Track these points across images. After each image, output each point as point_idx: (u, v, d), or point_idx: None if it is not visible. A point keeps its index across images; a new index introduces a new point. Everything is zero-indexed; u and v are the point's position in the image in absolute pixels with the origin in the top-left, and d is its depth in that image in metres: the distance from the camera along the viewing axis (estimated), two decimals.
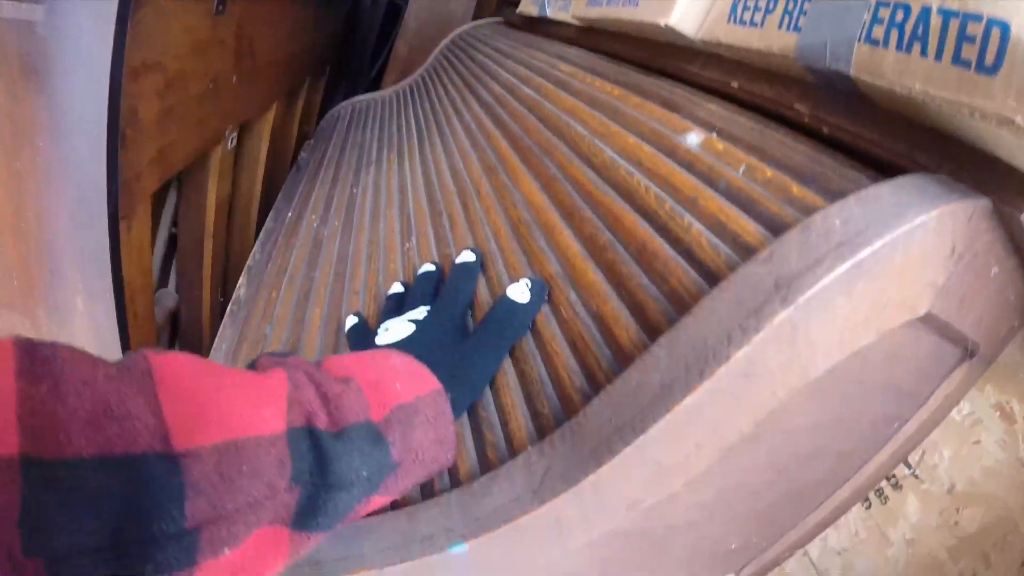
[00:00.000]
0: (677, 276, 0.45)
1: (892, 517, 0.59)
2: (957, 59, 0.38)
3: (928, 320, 0.42)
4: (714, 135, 0.54)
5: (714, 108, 0.59)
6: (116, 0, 0.84)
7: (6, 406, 0.29)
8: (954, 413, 0.54)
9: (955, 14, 0.38)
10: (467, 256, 0.65)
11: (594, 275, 0.52)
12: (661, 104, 0.64)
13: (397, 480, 0.44)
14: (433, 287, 0.65)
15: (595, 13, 0.92)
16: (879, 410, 0.52)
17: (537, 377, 0.50)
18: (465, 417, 0.52)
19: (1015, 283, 0.44)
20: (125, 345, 1.04)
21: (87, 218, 0.91)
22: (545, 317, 0.54)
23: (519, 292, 0.55)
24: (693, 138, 0.55)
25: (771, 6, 0.55)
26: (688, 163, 0.52)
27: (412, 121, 1.27)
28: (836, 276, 0.35)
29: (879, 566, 0.60)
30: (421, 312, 0.58)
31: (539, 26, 1.24)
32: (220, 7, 1.24)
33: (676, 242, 0.47)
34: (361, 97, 1.70)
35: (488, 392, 0.53)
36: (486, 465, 0.48)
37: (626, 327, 0.46)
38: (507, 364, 0.53)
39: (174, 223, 1.45)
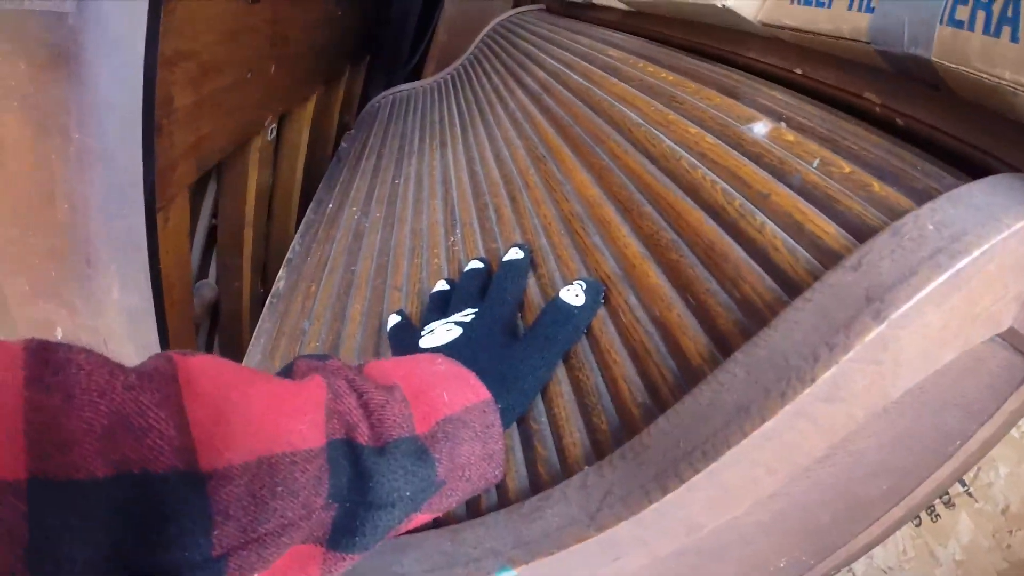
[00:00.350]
0: (750, 282, 0.41)
1: (942, 536, 0.55)
2: None
3: (1008, 335, 0.38)
4: (783, 125, 0.50)
5: (778, 95, 0.55)
6: None
7: (13, 421, 0.27)
8: (1012, 429, 0.51)
9: None
10: (516, 253, 0.62)
11: (656, 278, 0.48)
12: (720, 91, 0.60)
13: (441, 499, 0.41)
14: (480, 286, 0.61)
15: None
16: (943, 427, 0.48)
17: (593, 388, 0.47)
18: (514, 427, 0.49)
19: None
20: (162, 335, 1.03)
21: (123, 208, 0.91)
22: (602, 322, 0.50)
23: (573, 295, 0.51)
24: (760, 128, 0.51)
25: None
26: (756, 155, 0.48)
27: (455, 110, 1.25)
28: (933, 288, 0.32)
29: None
30: (468, 314, 0.55)
31: (582, 11, 1.22)
32: None
33: (748, 243, 0.43)
34: (402, 87, 1.69)
35: (539, 402, 0.49)
36: (536, 481, 0.45)
37: (693, 337, 0.42)
38: (560, 372, 0.50)
39: (214, 214, 1.43)
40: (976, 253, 0.32)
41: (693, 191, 0.50)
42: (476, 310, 0.55)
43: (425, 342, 0.54)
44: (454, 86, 1.40)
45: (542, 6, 1.55)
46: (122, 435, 0.29)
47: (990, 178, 0.35)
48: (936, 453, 0.51)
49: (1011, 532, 0.51)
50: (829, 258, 0.38)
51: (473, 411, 0.43)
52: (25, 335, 0.83)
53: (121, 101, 0.86)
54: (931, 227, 0.33)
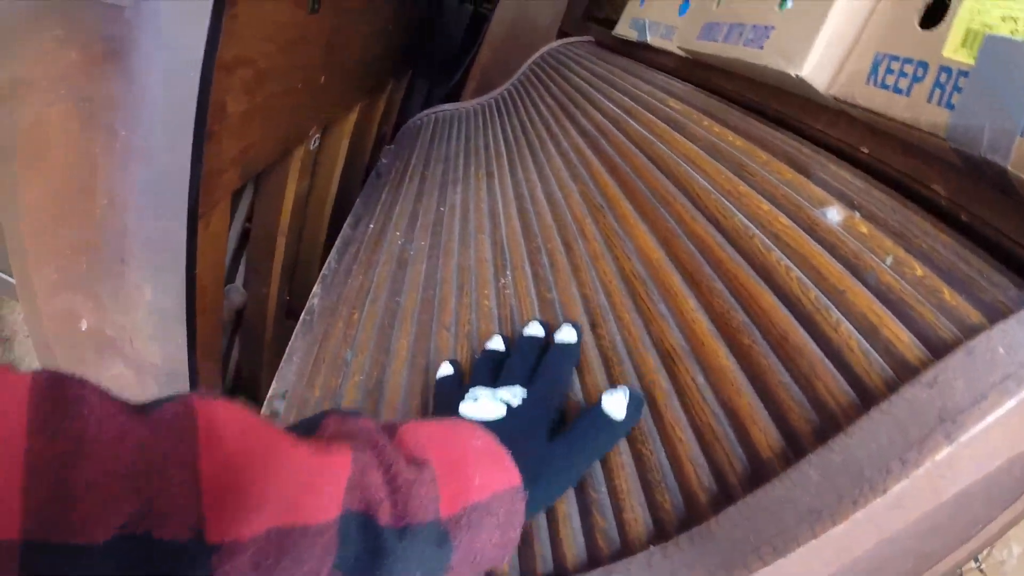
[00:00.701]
0: (824, 381, 0.41)
1: None
2: None
3: None
4: (856, 215, 0.50)
5: (847, 176, 0.55)
6: None
7: (11, 475, 0.26)
8: None
9: None
10: (569, 335, 0.60)
11: (726, 359, 0.49)
12: (790, 164, 0.59)
13: None
14: (535, 359, 0.60)
15: (707, 48, 0.88)
16: (970, 513, 0.49)
17: (656, 464, 0.47)
18: (571, 493, 0.49)
19: None
20: (191, 339, 1.03)
21: (163, 209, 0.90)
22: (668, 396, 0.51)
23: (616, 406, 0.50)
24: (834, 215, 0.51)
25: (920, 74, 0.51)
26: (831, 245, 0.48)
27: (500, 138, 1.24)
28: (1000, 414, 0.34)
29: None
30: (516, 395, 0.54)
31: (635, 50, 1.20)
32: (315, 5, 1.23)
33: (823, 340, 0.43)
34: (445, 106, 1.68)
35: (599, 470, 0.50)
36: (595, 552, 0.45)
37: (764, 429, 0.43)
38: (622, 444, 0.50)
39: (248, 218, 1.44)
40: None
41: (767, 275, 0.50)
42: (525, 392, 0.54)
43: (467, 408, 0.52)
44: (499, 112, 1.40)
45: (591, 38, 1.54)
46: (129, 495, 0.28)
47: None
48: (959, 537, 0.51)
49: None
50: (903, 367, 0.39)
51: (501, 498, 0.42)
52: (50, 325, 0.83)
53: (172, 102, 0.85)
54: (1002, 351, 0.35)
